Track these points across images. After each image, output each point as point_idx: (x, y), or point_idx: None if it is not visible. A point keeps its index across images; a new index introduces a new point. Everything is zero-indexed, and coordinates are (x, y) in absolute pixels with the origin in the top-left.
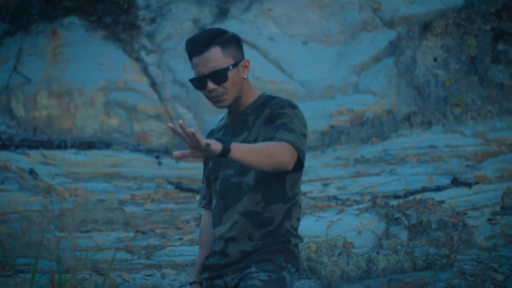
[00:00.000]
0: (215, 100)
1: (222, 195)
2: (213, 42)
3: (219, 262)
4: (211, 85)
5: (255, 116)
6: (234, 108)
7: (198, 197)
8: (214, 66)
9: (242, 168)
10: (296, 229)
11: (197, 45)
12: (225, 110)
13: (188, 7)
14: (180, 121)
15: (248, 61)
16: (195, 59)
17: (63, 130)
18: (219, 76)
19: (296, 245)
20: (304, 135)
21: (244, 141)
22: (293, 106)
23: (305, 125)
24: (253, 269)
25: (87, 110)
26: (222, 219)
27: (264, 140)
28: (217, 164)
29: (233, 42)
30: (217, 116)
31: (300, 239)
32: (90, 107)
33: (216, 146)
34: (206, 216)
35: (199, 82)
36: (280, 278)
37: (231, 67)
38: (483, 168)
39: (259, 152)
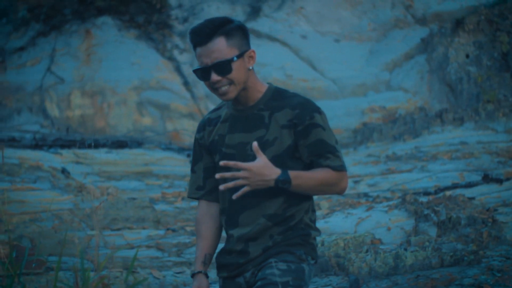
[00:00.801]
0: (220, 93)
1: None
2: (217, 32)
3: (238, 261)
4: (214, 76)
5: (270, 111)
6: (242, 100)
7: None
8: (218, 57)
9: None
10: (314, 221)
11: (201, 35)
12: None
13: (220, 6)
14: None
15: (254, 51)
16: (199, 49)
17: (96, 130)
18: (223, 67)
19: (314, 238)
20: (337, 142)
21: (262, 139)
22: (319, 111)
23: (330, 127)
24: (272, 259)
25: (120, 109)
26: (240, 219)
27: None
28: (229, 159)
29: (238, 32)
30: None
31: (319, 231)
32: (123, 106)
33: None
34: (204, 206)
35: (202, 73)
36: (299, 269)
37: (235, 58)
38: None
39: (319, 183)
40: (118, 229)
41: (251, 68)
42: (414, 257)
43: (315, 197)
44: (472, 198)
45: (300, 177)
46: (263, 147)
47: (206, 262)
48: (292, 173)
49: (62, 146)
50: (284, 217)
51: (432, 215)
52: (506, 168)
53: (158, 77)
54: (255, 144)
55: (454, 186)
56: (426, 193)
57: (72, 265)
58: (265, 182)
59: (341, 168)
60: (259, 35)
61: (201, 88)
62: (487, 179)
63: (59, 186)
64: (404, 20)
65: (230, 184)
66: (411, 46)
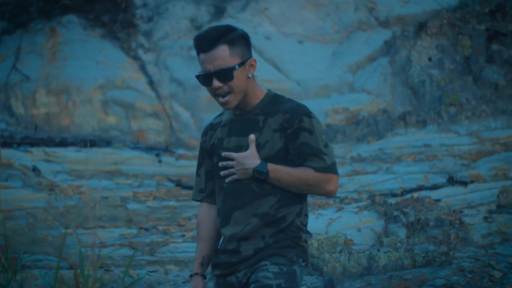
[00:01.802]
0: (222, 102)
1: (231, 194)
2: (220, 40)
3: (231, 260)
4: (216, 83)
5: (265, 115)
6: (240, 106)
7: None
8: (220, 64)
9: None
10: (305, 225)
11: (205, 43)
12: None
13: (185, 5)
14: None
15: (255, 60)
16: (202, 56)
17: (61, 128)
18: (225, 75)
19: (305, 241)
20: (327, 146)
21: (255, 142)
22: (309, 115)
23: (322, 131)
24: (264, 262)
25: (85, 108)
26: (232, 218)
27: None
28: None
29: (241, 41)
30: (214, 115)
31: (310, 234)
32: (88, 105)
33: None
34: (205, 209)
35: (204, 79)
36: (291, 271)
37: (237, 67)
38: (478, 167)
39: (299, 181)
40: (92, 228)
41: (250, 76)
42: (387, 258)
43: None
44: (438, 200)
45: (278, 171)
46: (256, 149)
47: (204, 264)
48: (270, 166)
49: (31, 144)
50: (276, 218)
51: (401, 216)
52: (469, 170)
53: (123, 76)
54: (251, 136)
55: (420, 188)
56: (393, 195)
57: (48, 264)
58: (245, 170)
59: (323, 170)
60: None
61: (165, 87)
62: (452, 181)
63: (31, 184)
64: (367, 22)
65: (226, 172)
66: (374, 48)
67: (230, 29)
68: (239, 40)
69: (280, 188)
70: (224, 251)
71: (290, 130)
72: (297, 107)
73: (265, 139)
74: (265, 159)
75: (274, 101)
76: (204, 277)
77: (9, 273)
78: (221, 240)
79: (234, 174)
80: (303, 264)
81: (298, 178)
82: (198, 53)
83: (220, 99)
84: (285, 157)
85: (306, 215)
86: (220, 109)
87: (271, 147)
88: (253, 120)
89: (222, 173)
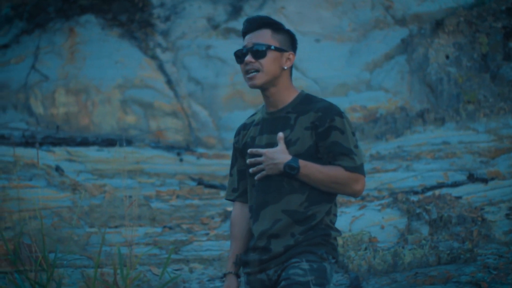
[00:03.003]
0: (249, 77)
1: (262, 189)
2: (266, 24)
3: (261, 258)
4: (249, 58)
5: (297, 114)
6: (273, 103)
7: (222, 193)
8: (258, 42)
9: None
10: (334, 224)
11: (251, 23)
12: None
13: (202, 5)
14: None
15: (293, 54)
16: (246, 37)
17: (80, 127)
18: (259, 51)
19: (335, 238)
20: (357, 146)
21: (286, 139)
22: (341, 115)
23: (353, 133)
24: (295, 259)
25: (104, 108)
26: (261, 214)
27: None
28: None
29: (286, 34)
30: (232, 113)
31: (339, 232)
32: (107, 104)
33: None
34: (238, 208)
35: (240, 55)
36: (321, 268)
37: (273, 47)
38: (497, 164)
39: (328, 178)
40: (116, 227)
41: (286, 68)
42: (412, 255)
43: None
44: (459, 197)
45: (309, 167)
46: (287, 145)
47: (237, 263)
48: (302, 162)
49: (53, 144)
50: (305, 216)
51: (424, 214)
52: (488, 167)
53: (142, 76)
54: (280, 134)
55: (440, 186)
56: (414, 192)
57: (73, 262)
58: (275, 165)
59: (353, 169)
60: (240, 34)
61: (184, 86)
62: (472, 178)
63: (54, 183)
64: (384, 20)
65: (255, 169)
66: (391, 46)
67: (278, 22)
68: (283, 32)
69: (308, 186)
70: (254, 249)
71: (321, 128)
72: (329, 106)
73: (296, 136)
74: (295, 156)
75: (306, 100)
76: (238, 276)
77: (48, 272)
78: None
79: (263, 170)
80: (333, 261)
81: (328, 175)
82: (244, 35)
83: (248, 75)
84: (314, 155)
85: (335, 215)
86: (237, 108)
87: (301, 145)
88: (284, 118)
89: (251, 170)
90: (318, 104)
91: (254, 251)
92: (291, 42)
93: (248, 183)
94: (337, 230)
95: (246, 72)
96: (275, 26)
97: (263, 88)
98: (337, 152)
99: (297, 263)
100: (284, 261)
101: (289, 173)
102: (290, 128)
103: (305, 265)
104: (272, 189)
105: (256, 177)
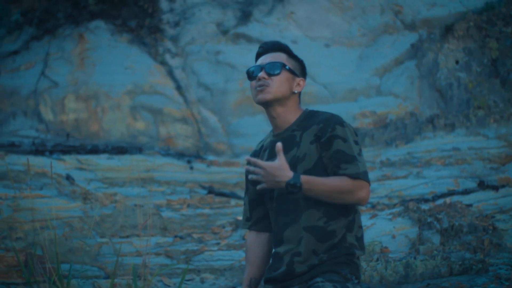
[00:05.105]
0: (260, 90)
1: (281, 212)
2: (282, 49)
3: (284, 276)
4: (262, 74)
5: (301, 130)
6: (279, 125)
7: (232, 201)
8: (274, 60)
9: None
10: (360, 239)
11: (268, 45)
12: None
13: (211, 10)
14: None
15: (304, 81)
16: (261, 58)
17: (90, 133)
18: (274, 66)
19: (358, 257)
20: (360, 154)
21: (294, 157)
22: (342, 124)
23: (356, 141)
24: (319, 279)
25: (114, 114)
26: (284, 236)
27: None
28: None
29: (298, 61)
30: (241, 119)
31: (363, 251)
32: (117, 110)
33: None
34: (253, 236)
35: (253, 71)
36: None
37: (287, 67)
38: (508, 170)
39: (333, 189)
40: (127, 237)
41: (295, 92)
42: (424, 266)
43: None
44: (470, 205)
45: (312, 182)
46: (295, 163)
47: (251, 286)
48: (303, 178)
49: (63, 152)
50: (326, 232)
51: (435, 223)
52: (499, 174)
53: (151, 82)
54: (278, 144)
55: (451, 193)
56: (425, 200)
57: (84, 273)
58: (277, 183)
59: (357, 176)
60: (249, 40)
61: (193, 92)
62: (482, 185)
63: (65, 193)
64: (393, 25)
65: (254, 177)
66: (401, 51)
67: (291, 50)
68: (296, 59)
69: (323, 201)
70: (277, 268)
71: (323, 138)
72: (330, 117)
73: (303, 152)
74: (306, 172)
75: (309, 116)
76: None
77: (61, 284)
78: (272, 257)
79: (256, 179)
80: (356, 281)
81: (332, 186)
82: (258, 56)
83: (258, 89)
84: (323, 169)
85: (360, 227)
86: (246, 114)
87: (309, 160)
88: (291, 136)
89: (249, 177)
90: (320, 117)
91: (276, 270)
92: (302, 70)
93: (268, 207)
94: (361, 249)
95: (257, 87)
96: (290, 52)
97: (270, 105)
98: (341, 160)
99: (321, 283)
100: (308, 280)
101: (292, 191)
102: (297, 145)
103: (328, 286)
104: (291, 209)
105: (257, 187)
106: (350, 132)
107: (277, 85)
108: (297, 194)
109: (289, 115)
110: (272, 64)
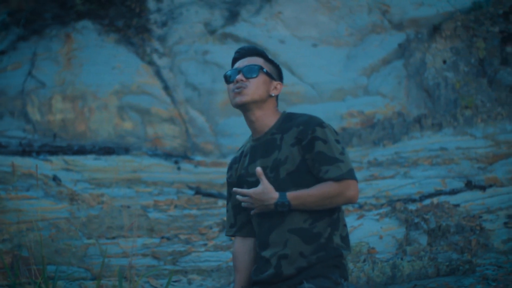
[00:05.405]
0: (237, 92)
1: (265, 216)
2: (258, 53)
3: (272, 278)
4: (240, 76)
5: (281, 133)
6: (258, 129)
7: (220, 202)
8: (251, 63)
9: (280, 187)
10: (345, 237)
11: (245, 50)
12: (240, 136)
13: (198, 10)
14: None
15: (281, 85)
16: (238, 62)
17: (77, 134)
18: (252, 69)
19: (345, 258)
20: (343, 153)
21: (276, 159)
22: (321, 125)
23: (337, 140)
24: (308, 285)
25: (101, 114)
26: (269, 240)
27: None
28: (253, 186)
29: (275, 65)
30: (228, 119)
31: (349, 250)
32: (104, 110)
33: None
34: (238, 242)
35: (231, 75)
36: None
37: (265, 70)
38: (495, 170)
39: (320, 198)
40: (113, 238)
41: (273, 95)
42: (411, 267)
43: None
44: (457, 205)
45: (299, 198)
46: (277, 166)
47: None
48: (290, 195)
49: (50, 153)
50: (312, 234)
51: (422, 223)
52: (486, 174)
53: (139, 82)
54: (258, 169)
55: (438, 193)
56: (411, 200)
57: (71, 274)
58: (266, 206)
59: (341, 177)
60: (237, 39)
61: (181, 92)
62: (470, 185)
63: (52, 194)
64: (381, 25)
65: (246, 204)
66: (388, 51)
67: (267, 55)
68: (273, 64)
69: None
70: (264, 270)
71: (305, 141)
72: (309, 119)
73: (284, 155)
74: (289, 174)
75: (288, 118)
76: None
77: (47, 285)
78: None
79: (248, 206)
80: (345, 283)
81: (319, 195)
82: (235, 62)
83: (236, 91)
84: (306, 170)
85: (345, 225)
86: (233, 114)
87: (291, 162)
88: (271, 140)
89: (243, 204)
90: (298, 119)
91: (263, 273)
92: (279, 74)
93: (250, 215)
94: (347, 248)
95: (234, 90)
96: (267, 57)
97: (248, 109)
98: (322, 162)
99: None
100: (297, 283)
101: (282, 210)
102: (278, 148)
103: None
104: (274, 213)
105: (251, 212)
106: (330, 132)
107: (255, 87)
108: (287, 211)
109: (268, 118)
110: (250, 67)
